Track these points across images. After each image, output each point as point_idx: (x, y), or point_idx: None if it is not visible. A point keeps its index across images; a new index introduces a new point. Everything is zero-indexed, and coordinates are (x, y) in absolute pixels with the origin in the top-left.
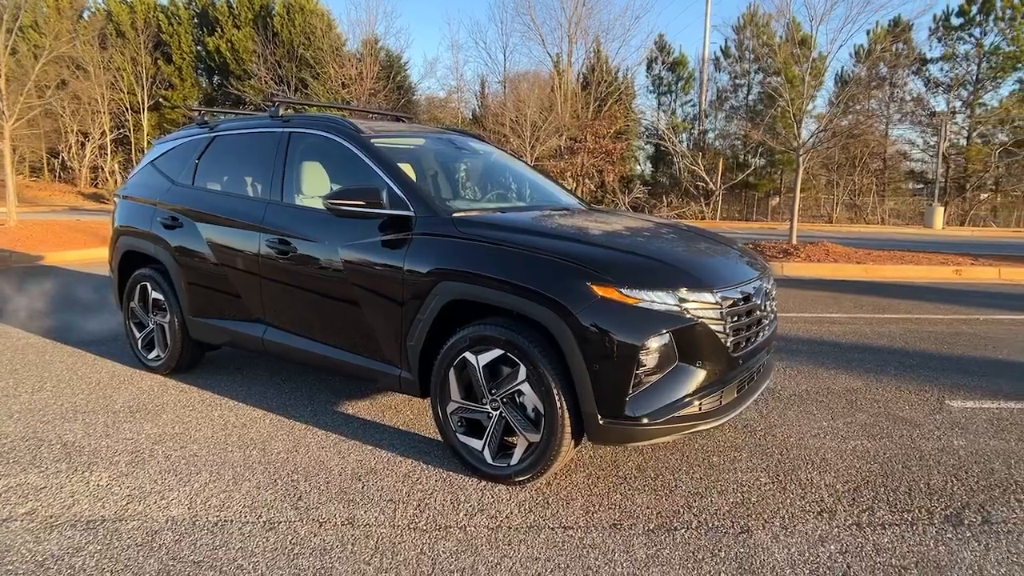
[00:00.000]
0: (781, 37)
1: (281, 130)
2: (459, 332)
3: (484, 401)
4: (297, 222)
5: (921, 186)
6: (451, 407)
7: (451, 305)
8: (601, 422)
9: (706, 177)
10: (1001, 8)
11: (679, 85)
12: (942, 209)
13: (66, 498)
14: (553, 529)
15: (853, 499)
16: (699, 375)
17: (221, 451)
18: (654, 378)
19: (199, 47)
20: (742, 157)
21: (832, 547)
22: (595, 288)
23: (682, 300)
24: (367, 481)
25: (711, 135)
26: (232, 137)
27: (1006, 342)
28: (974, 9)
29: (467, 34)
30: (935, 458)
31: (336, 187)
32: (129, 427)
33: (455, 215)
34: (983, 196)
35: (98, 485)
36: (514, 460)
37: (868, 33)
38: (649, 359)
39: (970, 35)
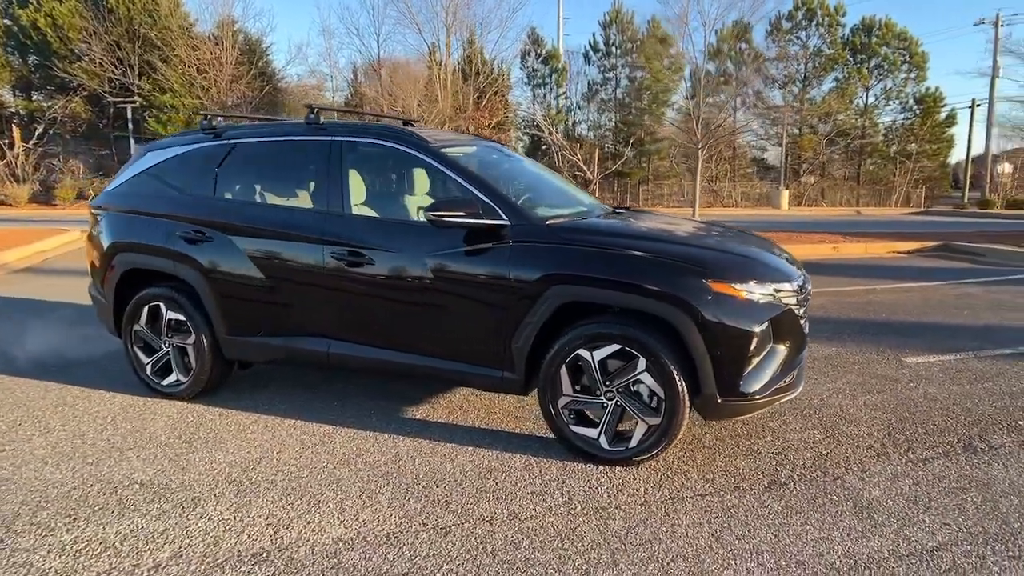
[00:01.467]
0: (644, 34)
1: (329, 139)
2: (570, 331)
3: (599, 393)
4: (368, 233)
5: (762, 171)
6: (563, 401)
7: (561, 308)
8: (719, 401)
9: (584, 167)
10: (821, 15)
11: (553, 78)
12: (786, 192)
13: (204, 536)
14: (693, 498)
15: (893, 442)
16: (785, 353)
17: (324, 470)
18: (758, 359)
19: (7, 20)
20: (615, 148)
21: (907, 481)
22: (712, 284)
23: (776, 291)
24: (497, 479)
25: (583, 127)
26: (260, 146)
27: (912, 306)
28: (800, 15)
29: (338, 19)
30: (924, 404)
31: (414, 198)
32: (198, 458)
33: (548, 222)
34: (812, 180)
35: (225, 519)
36: (633, 443)
37: (716, 32)
38: (756, 343)
39: (797, 38)
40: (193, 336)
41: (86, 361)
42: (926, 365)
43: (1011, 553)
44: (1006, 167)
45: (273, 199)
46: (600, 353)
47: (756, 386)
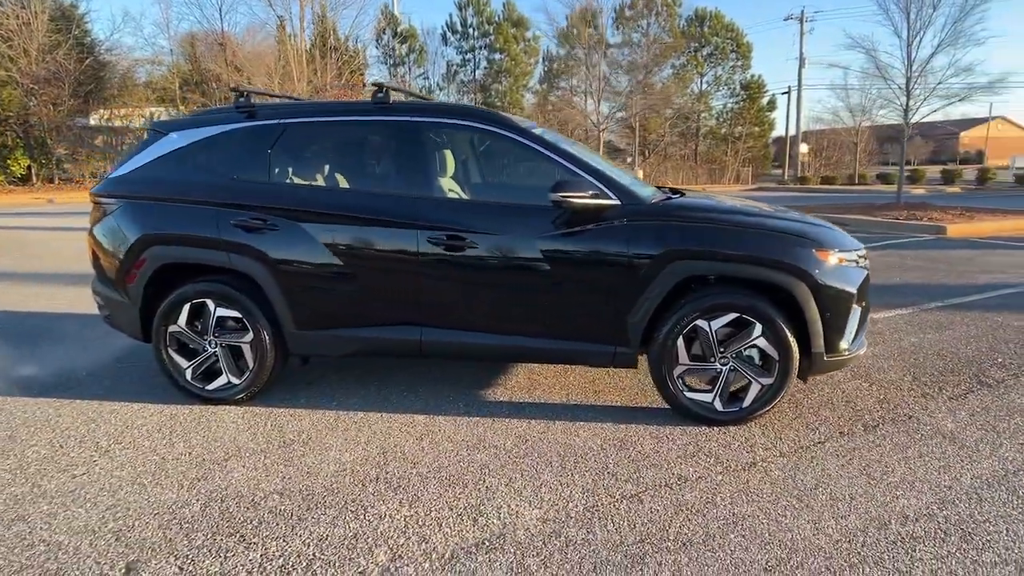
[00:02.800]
0: (500, 16)
1: (409, 119)
2: (687, 303)
3: (712, 360)
4: (468, 216)
5: (613, 153)
6: (678, 370)
7: (681, 282)
8: (826, 358)
9: None
10: (660, 5)
11: (412, 58)
12: (641, 171)
13: (406, 534)
14: (817, 446)
15: (925, 384)
16: (861, 312)
17: (459, 458)
18: (853, 318)
19: None
20: None
21: (962, 413)
22: (818, 253)
23: (858, 256)
24: (636, 449)
25: None
26: (318, 127)
27: None
28: (641, 3)
29: None
30: (918, 351)
31: (502, 179)
32: (313, 460)
33: (652, 202)
34: (655, 161)
35: (409, 515)
36: (746, 403)
37: (567, 18)
38: (853, 304)
39: (639, 26)
40: (251, 333)
41: (84, 375)
42: (891, 319)
43: None
44: (803, 147)
45: (343, 183)
46: (718, 322)
47: (848, 343)
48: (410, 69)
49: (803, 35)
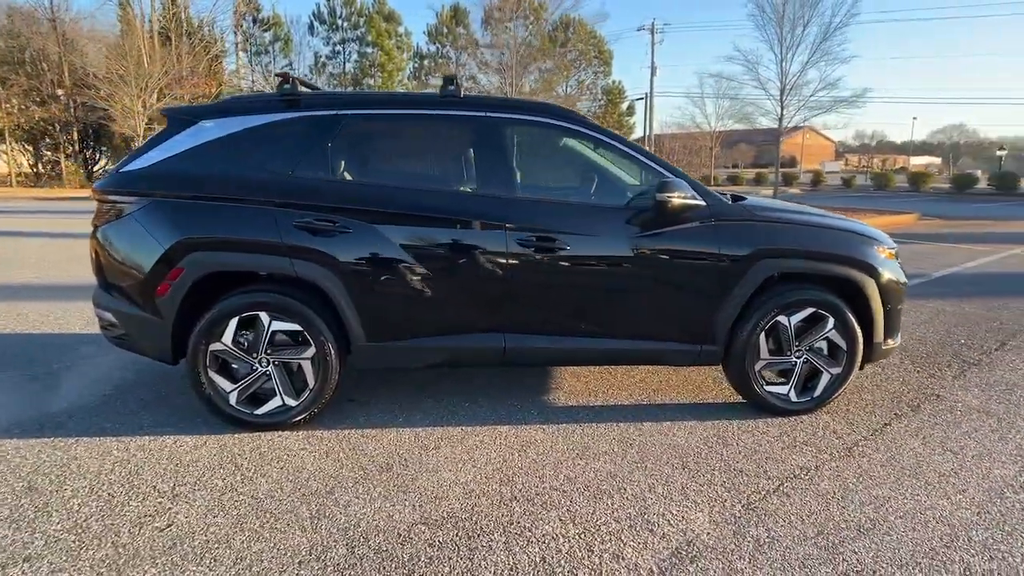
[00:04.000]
0: (371, 9)
1: (485, 115)
2: (769, 300)
3: (789, 353)
4: (557, 217)
5: None
6: (759, 365)
7: (766, 280)
8: (884, 347)
9: None
10: (528, 8)
11: (276, 47)
12: None
13: (592, 550)
14: (878, 435)
15: (925, 366)
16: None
17: (584, 468)
18: (903, 309)
19: None
20: None
21: (976, 390)
22: (879, 250)
23: (897, 253)
24: (736, 444)
25: None
26: (381, 120)
27: None
28: (509, 7)
29: None
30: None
31: (578, 178)
32: (432, 483)
33: (731, 204)
34: None
35: (582, 533)
36: (817, 392)
37: (436, 14)
38: (904, 296)
39: (506, 28)
40: (312, 348)
41: (64, 407)
42: None
43: None
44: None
45: (414, 181)
46: (796, 317)
47: (896, 332)
48: (274, 59)
49: (654, 45)
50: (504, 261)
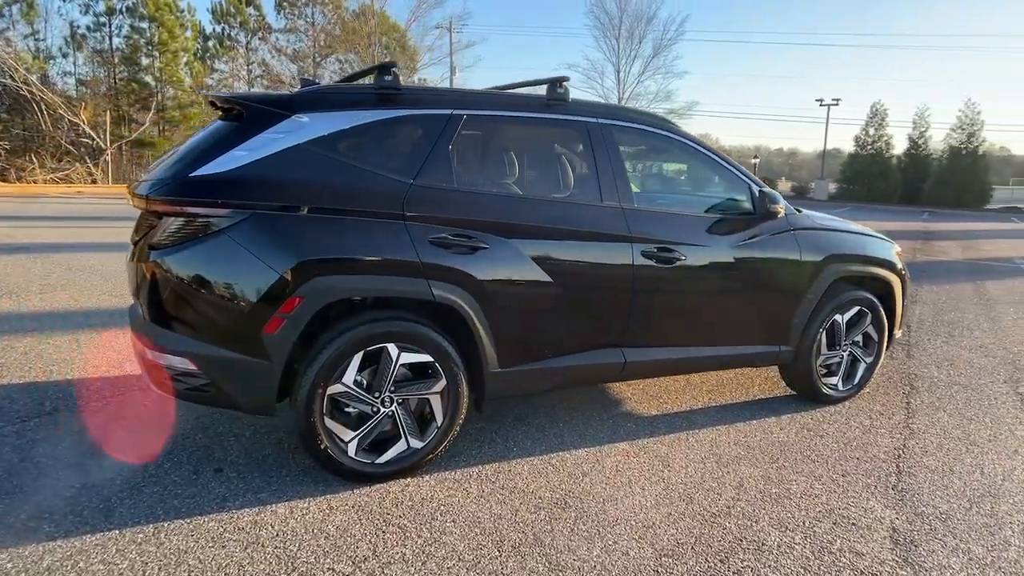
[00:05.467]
0: None
1: (595, 121)
2: (828, 302)
3: (838, 348)
4: (676, 228)
5: None
6: (820, 359)
7: (834, 282)
8: (896, 337)
9: (92, 132)
10: None
11: (14, 11)
12: None
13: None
14: (926, 416)
15: (907, 352)
16: None
17: (727, 474)
18: None
19: None
20: (131, 112)
21: (962, 369)
22: (897, 252)
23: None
24: (837, 433)
25: (72, 80)
26: (492, 122)
27: None
28: None
29: None
30: None
31: (709, 192)
32: (637, 499)
33: (799, 211)
34: None
35: (811, 525)
36: (856, 379)
37: None
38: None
39: (301, 14)
40: (443, 381)
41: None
42: None
43: None
44: None
45: (527, 188)
46: (847, 315)
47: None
48: (12, 25)
49: (452, 44)
50: (629, 274)
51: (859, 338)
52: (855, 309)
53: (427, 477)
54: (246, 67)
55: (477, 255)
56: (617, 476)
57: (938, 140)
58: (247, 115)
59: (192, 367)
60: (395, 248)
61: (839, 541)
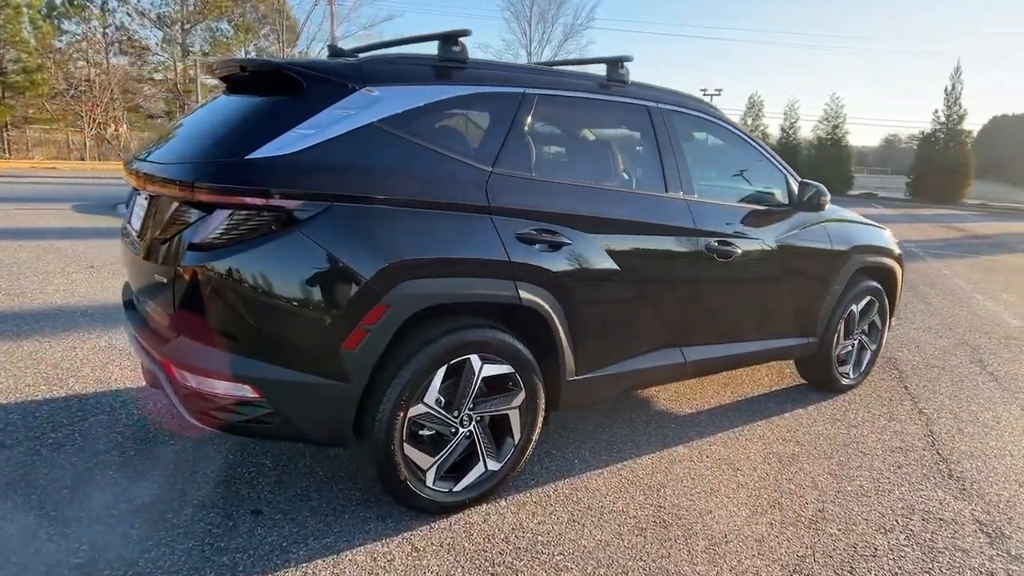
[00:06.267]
0: None
1: (656, 106)
2: (846, 292)
3: (851, 337)
4: (728, 219)
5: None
6: (838, 350)
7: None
8: (893, 320)
9: None
10: None
11: None
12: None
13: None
14: (916, 398)
15: None
16: None
17: (804, 482)
18: None
19: None
20: None
21: (933, 351)
22: (892, 238)
23: None
24: (870, 423)
25: None
26: (559, 103)
27: None
28: None
29: None
30: None
31: (745, 179)
32: (732, 510)
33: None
34: None
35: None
36: (863, 366)
37: None
38: None
39: None
40: (522, 393)
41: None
42: None
43: None
44: None
45: (591, 177)
46: (859, 305)
47: None
48: None
49: (334, 17)
50: (694, 269)
51: (866, 326)
52: (867, 299)
53: (502, 502)
54: (101, 29)
55: (561, 252)
56: (695, 485)
57: (807, 131)
58: (308, 86)
59: (252, 394)
60: (485, 246)
61: (939, 540)
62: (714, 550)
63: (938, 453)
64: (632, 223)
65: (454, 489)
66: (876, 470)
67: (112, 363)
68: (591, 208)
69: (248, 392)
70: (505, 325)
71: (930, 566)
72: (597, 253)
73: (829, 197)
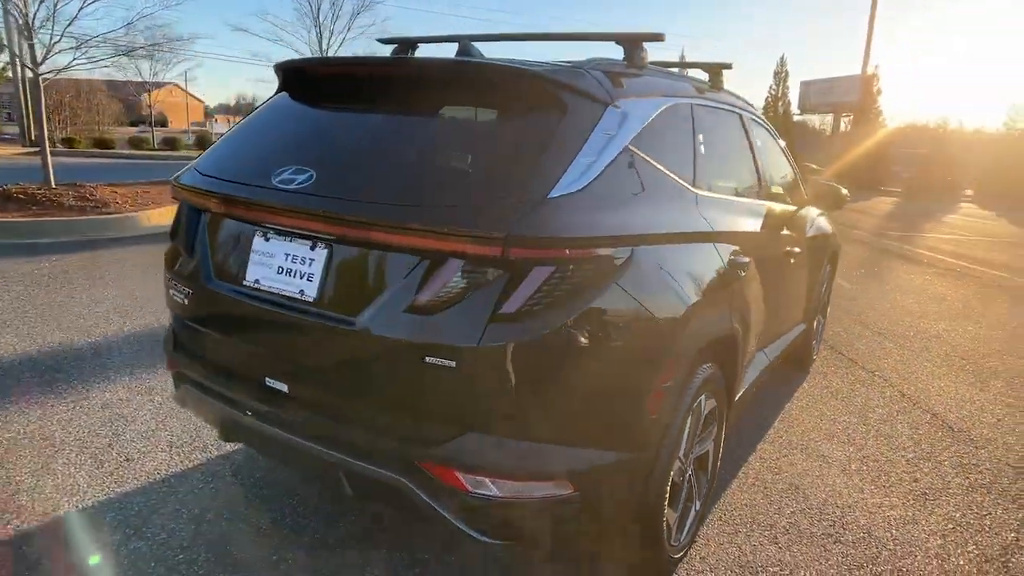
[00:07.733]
0: None
1: (740, 111)
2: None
3: (820, 316)
4: (792, 222)
5: None
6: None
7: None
8: None
9: None
10: None
11: None
12: None
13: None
14: (896, 382)
15: None
16: None
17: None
18: None
19: None
20: None
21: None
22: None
23: None
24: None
25: None
26: (710, 112)
27: None
28: None
29: None
30: None
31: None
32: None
33: None
34: None
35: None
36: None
37: None
38: None
39: None
40: (717, 424)
41: None
42: None
43: None
44: None
45: (733, 185)
46: (825, 286)
47: None
48: None
49: None
50: (785, 272)
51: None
52: (827, 281)
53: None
54: None
55: (747, 274)
56: (815, 488)
57: None
58: (571, 103)
59: (568, 490)
60: (721, 278)
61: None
62: (893, 560)
63: (954, 435)
64: (767, 235)
65: (681, 540)
66: (924, 458)
67: None
68: (754, 223)
69: (564, 489)
70: (723, 353)
71: None
72: (756, 268)
73: (846, 194)
